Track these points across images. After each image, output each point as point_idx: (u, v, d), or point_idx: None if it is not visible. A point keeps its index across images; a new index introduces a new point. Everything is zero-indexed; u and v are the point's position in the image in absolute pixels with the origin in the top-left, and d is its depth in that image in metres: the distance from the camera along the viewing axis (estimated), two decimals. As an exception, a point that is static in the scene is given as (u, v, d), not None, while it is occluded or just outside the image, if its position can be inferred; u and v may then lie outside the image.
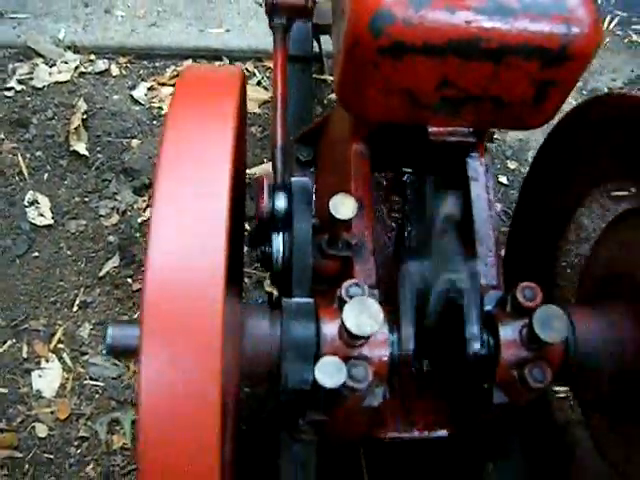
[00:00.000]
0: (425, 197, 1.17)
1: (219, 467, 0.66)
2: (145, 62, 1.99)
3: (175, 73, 1.98)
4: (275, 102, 1.26)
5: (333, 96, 1.96)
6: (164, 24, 2.04)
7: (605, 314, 1.04)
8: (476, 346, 0.99)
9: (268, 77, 1.99)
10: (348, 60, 0.91)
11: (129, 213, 1.77)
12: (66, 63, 1.92)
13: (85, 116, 1.86)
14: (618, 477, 1.04)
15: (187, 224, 0.75)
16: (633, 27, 2.34)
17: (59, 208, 1.75)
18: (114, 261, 1.70)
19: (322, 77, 1.93)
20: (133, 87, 1.95)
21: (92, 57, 1.95)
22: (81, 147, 1.82)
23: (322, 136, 1.34)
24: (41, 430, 1.52)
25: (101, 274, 1.68)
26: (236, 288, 1.05)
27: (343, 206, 0.99)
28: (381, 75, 0.89)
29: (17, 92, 1.88)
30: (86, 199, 1.78)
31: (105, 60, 1.96)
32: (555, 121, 1.21)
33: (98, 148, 1.85)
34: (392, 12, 0.83)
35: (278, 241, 1.11)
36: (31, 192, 1.76)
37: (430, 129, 0.99)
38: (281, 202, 1.13)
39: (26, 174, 1.78)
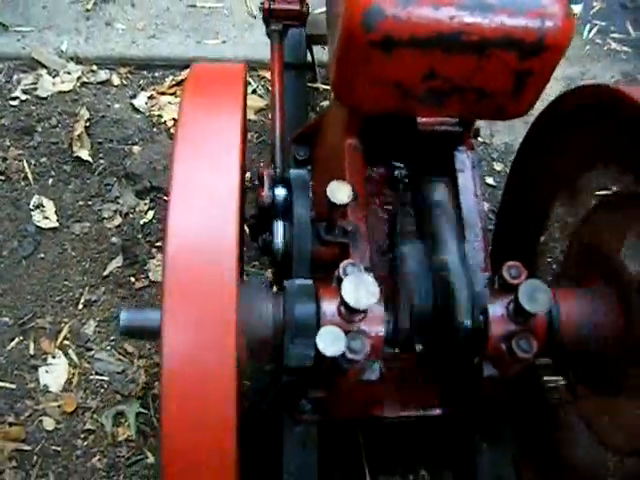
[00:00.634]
0: (416, 188, 1.25)
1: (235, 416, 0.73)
2: (145, 72, 2.07)
3: (174, 82, 2.06)
4: (273, 102, 1.33)
5: (325, 103, 2.05)
6: (163, 36, 2.12)
7: (585, 292, 1.11)
8: (467, 322, 1.06)
9: (263, 85, 2.06)
10: (343, 55, 0.99)
11: (131, 215, 1.84)
12: (69, 74, 1.99)
13: (88, 124, 1.93)
14: (601, 445, 1.11)
15: (202, 200, 0.81)
16: (612, 35, 2.43)
17: (64, 211, 1.82)
18: (117, 261, 1.76)
19: (315, 85, 2.01)
20: (134, 96, 2.02)
21: (94, 68, 2.03)
22: (84, 153, 1.89)
23: (317, 135, 1.41)
24: (48, 423, 1.57)
25: (105, 274, 1.74)
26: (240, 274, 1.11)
27: (339, 191, 1.06)
28: (372, 68, 0.97)
29: (22, 101, 1.95)
30: (89, 202, 1.84)
31: (106, 70, 2.03)
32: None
33: (101, 154, 1.92)
34: (382, 9, 0.91)
35: (279, 228, 1.18)
36: (36, 196, 1.83)
37: (419, 119, 1.06)
38: (281, 192, 1.20)
39: (31, 179, 1.85)
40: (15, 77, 1.98)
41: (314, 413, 1.21)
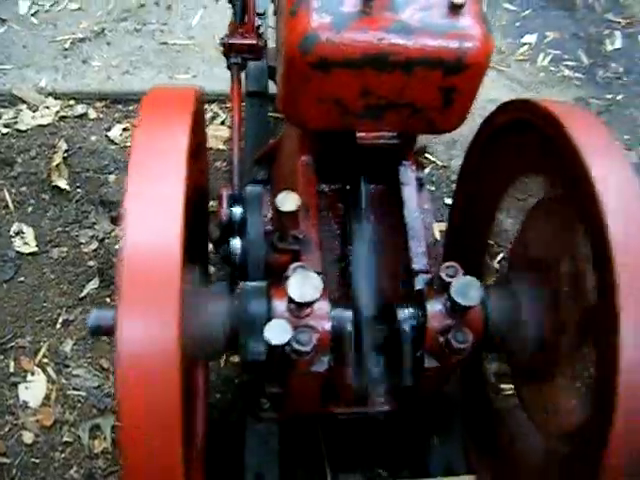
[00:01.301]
0: (363, 201, 1.34)
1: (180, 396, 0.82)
2: (120, 106, 2.18)
3: (148, 115, 2.17)
4: (233, 126, 1.44)
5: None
6: (136, 72, 2.24)
7: (520, 290, 1.21)
8: (407, 318, 1.16)
9: (227, 114, 2.18)
10: (286, 77, 1.10)
11: (107, 240, 1.93)
12: (48, 108, 2.10)
13: (66, 155, 2.04)
14: (538, 431, 1.19)
15: (151, 214, 0.91)
16: (565, 63, 2.58)
17: (43, 237, 1.91)
18: (94, 283, 1.84)
19: (277, 115, 2.12)
20: (109, 129, 2.13)
21: (71, 102, 2.14)
22: (62, 182, 1.99)
23: (276, 156, 1.52)
24: (27, 437, 1.64)
25: (82, 295, 1.83)
26: (198, 275, 1.20)
27: (287, 201, 1.16)
28: (312, 87, 1.07)
29: (3, 135, 2.05)
30: (67, 229, 1.94)
31: (83, 105, 2.15)
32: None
33: (78, 183, 2.01)
34: (317, 34, 1.02)
35: (236, 243, 1.28)
36: (16, 223, 1.92)
37: (358, 134, 1.17)
38: (237, 210, 1.30)
39: (12, 207, 1.94)
40: (-4, 112, 2.09)
41: (273, 410, 1.30)
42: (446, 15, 1.05)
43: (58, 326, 1.78)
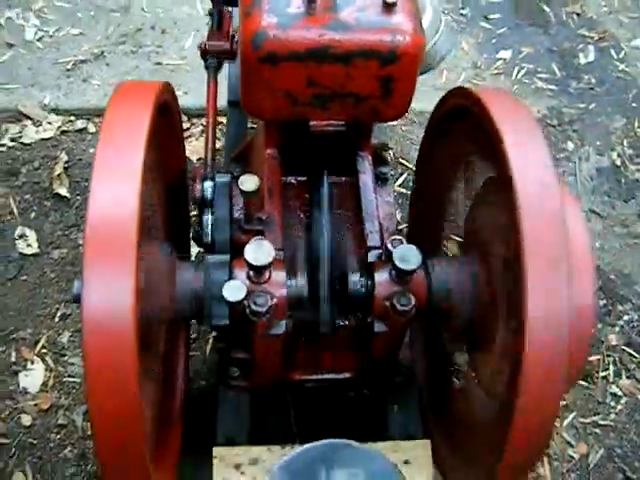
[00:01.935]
0: (324, 188, 1.48)
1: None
2: (118, 121, 2.35)
3: (144, 129, 2.34)
4: (207, 120, 1.60)
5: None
6: (134, 90, 2.41)
7: (462, 262, 1.33)
8: (357, 287, 1.29)
9: (220, 130, 2.33)
10: (243, 72, 1.25)
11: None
12: (50, 123, 2.28)
13: (66, 165, 2.20)
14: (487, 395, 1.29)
15: (112, 186, 1.04)
16: (539, 76, 2.72)
17: (44, 240, 2.06)
18: (90, 281, 1.99)
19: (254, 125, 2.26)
20: (108, 141, 2.29)
21: (72, 118, 2.31)
22: (63, 190, 2.15)
23: (249, 152, 1.67)
24: (26, 420, 1.77)
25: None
26: (170, 247, 1.33)
27: (247, 182, 1.31)
28: (264, 79, 1.22)
29: (9, 148, 2.23)
30: (67, 232, 2.09)
31: (83, 120, 2.32)
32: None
33: (77, 191, 2.17)
34: (266, 31, 1.17)
35: (207, 218, 1.41)
36: (20, 227, 2.08)
37: (311, 123, 1.31)
38: (209, 186, 1.44)
39: (16, 213, 2.10)
40: (3, 127, 2.27)
41: (242, 378, 1.42)
42: (380, 13, 1.20)
43: (56, 319, 1.93)
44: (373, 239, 1.38)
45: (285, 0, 1.20)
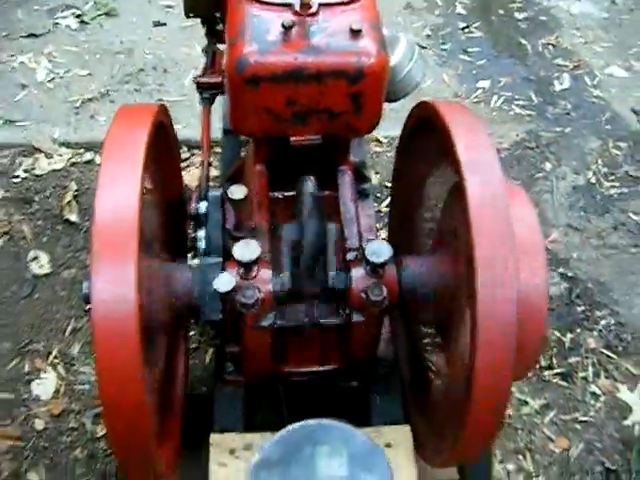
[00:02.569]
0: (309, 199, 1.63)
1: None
2: (123, 153, 2.53)
3: (147, 160, 2.52)
4: (202, 148, 1.77)
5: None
6: (138, 124, 2.61)
7: (433, 257, 1.47)
8: (336, 283, 1.43)
9: (216, 159, 2.51)
10: (229, 93, 1.42)
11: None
12: (61, 156, 2.47)
13: (76, 194, 2.38)
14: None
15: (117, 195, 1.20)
16: (516, 103, 2.90)
17: (56, 261, 2.23)
18: (98, 297, 2.14)
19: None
20: (114, 172, 2.47)
21: (81, 151, 2.51)
22: (73, 216, 2.32)
23: (241, 173, 1.83)
24: (39, 424, 1.91)
25: (88, 307, 2.12)
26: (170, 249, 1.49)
27: (236, 191, 1.47)
28: (248, 99, 1.39)
29: (23, 179, 2.41)
30: (77, 254, 2.26)
31: (91, 152, 2.51)
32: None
33: (86, 217, 2.35)
34: (248, 57, 1.34)
35: (201, 232, 1.57)
36: (33, 251, 2.25)
37: (291, 138, 1.47)
38: (202, 206, 1.60)
39: (30, 238, 2.28)
40: (17, 160, 2.46)
41: (236, 372, 1.55)
42: (348, 39, 1.37)
43: (67, 333, 2.08)
44: (351, 242, 1.53)
45: (264, 30, 1.37)
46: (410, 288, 1.42)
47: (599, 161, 2.72)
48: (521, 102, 2.90)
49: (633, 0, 3.45)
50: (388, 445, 1.45)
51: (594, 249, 2.45)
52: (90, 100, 2.68)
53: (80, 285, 2.16)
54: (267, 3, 1.42)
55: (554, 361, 2.12)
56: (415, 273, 1.44)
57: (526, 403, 2.03)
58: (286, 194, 1.70)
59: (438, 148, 1.46)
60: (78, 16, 3.03)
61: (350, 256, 1.49)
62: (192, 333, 1.96)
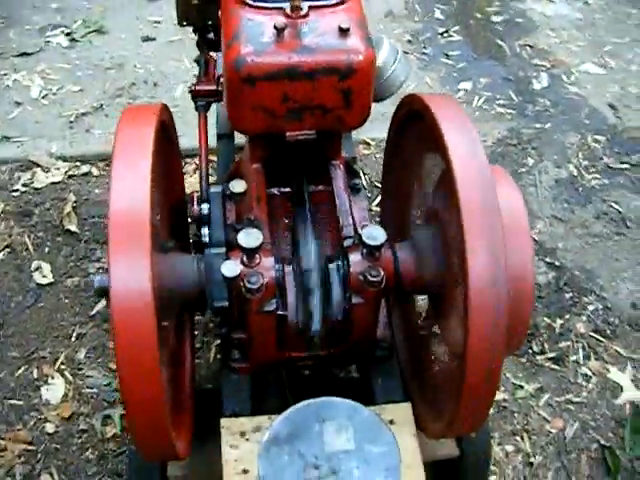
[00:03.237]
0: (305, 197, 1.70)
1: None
2: (119, 164, 2.60)
3: (142, 170, 2.59)
4: (200, 153, 1.84)
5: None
6: (132, 136, 2.68)
7: (425, 241, 1.54)
8: (333, 267, 1.50)
9: (212, 167, 2.58)
10: (227, 92, 1.49)
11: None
12: (58, 169, 2.53)
13: (74, 205, 2.44)
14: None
15: (127, 188, 1.27)
16: (497, 102, 3.00)
17: (58, 271, 2.28)
18: (102, 303, 2.20)
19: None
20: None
21: (77, 164, 2.57)
22: (73, 227, 2.38)
23: (237, 173, 1.90)
24: (50, 428, 1.95)
25: (92, 313, 2.18)
26: (175, 244, 1.55)
27: (237, 185, 1.54)
28: (245, 97, 1.46)
29: (22, 192, 2.47)
30: (78, 263, 2.31)
31: (88, 165, 2.58)
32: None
33: (86, 227, 2.40)
34: (245, 57, 1.42)
35: (205, 230, 1.64)
36: (36, 261, 2.30)
37: (287, 134, 1.55)
38: (204, 206, 1.67)
39: (31, 249, 2.33)
40: (16, 175, 2.52)
41: (243, 360, 1.62)
42: (337, 38, 1.45)
43: (73, 339, 2.13)
44: (347, 230, 1.60)
45: (259, 32, 1.45)
46: (406, 268, 1.49)
47: (579, 154, 2.82)
48: (502, 101, 3.00)
49: (605, 0, 3.58)
50: (391, 422, 1.52)
51: (578, 238, 2.53)
52: (84, 114, 2.75)
53: (84, 293, 2.23)
54: (260, 7, 1.51)
55: (546, 346, 2.20)
56: (409, 254, 1.51)
57: (521, 387, 2.10)
58: (282, 190, 1.78)
59: (427, 136, 1.53)
60: (68, 34, 3.12)
61: (347, 243, 1.56)
62: (195, 333, 2.01)
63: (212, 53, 2.06)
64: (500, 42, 3.30)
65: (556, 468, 1.92)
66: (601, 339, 2.23)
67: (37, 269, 2.28)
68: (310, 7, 1.50)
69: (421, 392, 1.62)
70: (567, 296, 2.34)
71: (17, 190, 2.47)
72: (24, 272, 2.28)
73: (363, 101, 1.52)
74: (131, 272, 1.20)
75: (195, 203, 1.68)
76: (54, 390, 2.02)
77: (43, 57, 3.00)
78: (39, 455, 1.90)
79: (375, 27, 3.25)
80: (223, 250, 1.50)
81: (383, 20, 3.37)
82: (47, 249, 2.34)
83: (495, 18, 3.42)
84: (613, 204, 2.64)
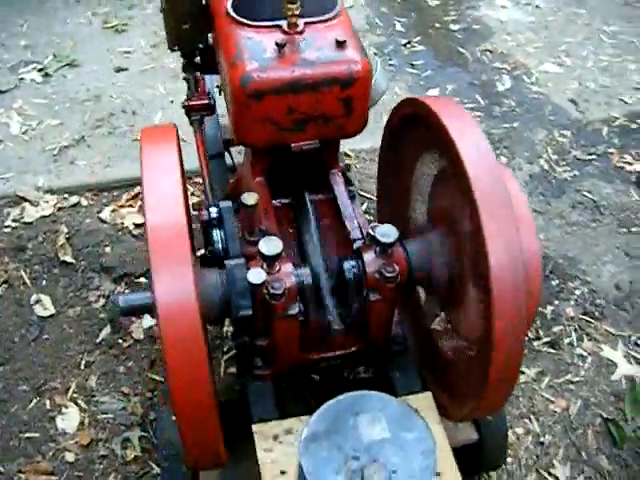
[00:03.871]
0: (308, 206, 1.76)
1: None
2: (105, 193, 2.63)
3: (129, 197, 2.62)
4: (200, 166, 1.89)
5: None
6: (115, 165, 2.71)
7: (434, 237, 1.61)
8: (349, 267, 1.56)
9: (199, 189, 2.62)
10: (234, 107, 1.55)
11: (112, 297, 2.30)
12: (47, 202, 2.54)
13: (67, 236, 2.45)
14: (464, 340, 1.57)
15: (161, 206, 1.31)
16: (466, 106, 3.11)
17: (58, 302, 2.29)
18: (106, 330, 2.21)
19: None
20: (100, 211, 2.56)
21: (66, 195, 2.58)
22: (68, 257, 2.39)
23: (237, 191, 1.95)
24: (69, 457, 1.95)
25: (98, 340, 2.19)
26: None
27: (249, 198, 1.59)
28: (252, 112, 1.53)
29: (13, 228, 2.47)
30: (77, 293, 2.32)
31: (76, 196, 2.59)
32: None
33: (81, 257, 2.42)
34: (250, 73, 1.49)
35: (217, 234, 1.67)
36: (35, 295, 2.30)
37: (292, 145, 1.62)
38: (213, 211, 1.71)
39: (29, 283, 2.33)
40: (5, 211, 2.52)
41: (265, 367, 1.66)
42: (335, 50, 1.53)
43: (82, 367, 2.13)
44: (355, 233, 1.67)
45: (260, 50, 1.52)
46: (418, 264, 1.56)
47: (549, 149, 2.95)
48: (469, 105, 3.13)
49: (555, 4, 3.75)
50: (415, 412, 1.58)
51: (558, 228, 2.65)
52: (67, 147, 2.77)
53: (87, 321, 2.24)
54: (257, 26, 1.58)
55: (540, 332, 2.29)
56: (420, 250, 1.58)
57: (522, 373, 2.18)
58: (283, 201, 1.85)
59: (426, 138, 1.61)
60: (41, 70, 3.14)
61: (358, 244, 1.63)
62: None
63: (198, 73, 2.12)
64: (461, 49, 3.43)
65: (566, 445, 2.01)
66: (591, 320, 2.34)
67: (37, 302, 2.28)
68: (306, 23, 1.58)
69: (436, 380, 1.68)
70: (554, 283, 2.45)
71: (8, 226, 2.47)
72: (24, 306, 2.28)
73: (362, 109, 1.60)
74: (177, 286, 1.24)
75: (203, 208, 1.73)
76: (69, 419, 2.03)
77: (18, 94, 3.01)
78: (61, 485, 1.91)
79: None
80: (242, 261, 1.55)
81: (347, 35, 3.47)
82: (44, 282, 2.35)
83: (453, 26, 3.56)
84: (586, 193, 2.77)
